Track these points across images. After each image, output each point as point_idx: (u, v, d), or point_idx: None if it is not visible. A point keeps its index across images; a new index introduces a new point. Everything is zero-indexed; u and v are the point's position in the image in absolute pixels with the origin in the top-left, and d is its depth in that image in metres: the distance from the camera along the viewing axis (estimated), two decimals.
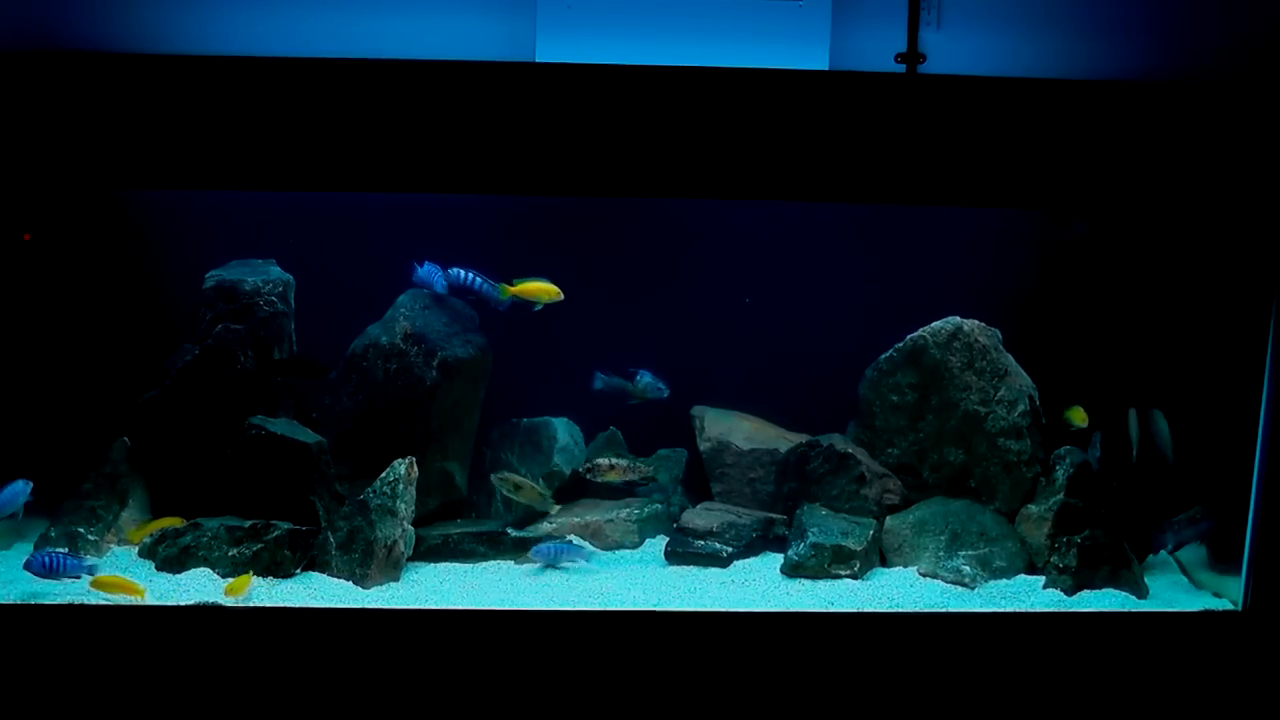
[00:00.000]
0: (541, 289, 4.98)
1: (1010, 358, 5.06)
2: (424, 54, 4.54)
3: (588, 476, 5.03)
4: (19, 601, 4.26)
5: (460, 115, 4.27)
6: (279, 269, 5.03)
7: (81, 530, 4.71)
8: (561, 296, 4.98)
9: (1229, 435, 4.64)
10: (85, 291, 5.12)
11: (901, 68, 4.71)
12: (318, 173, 4.33)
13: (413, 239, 5.19)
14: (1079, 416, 4.92)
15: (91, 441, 4.87)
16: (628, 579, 4.67)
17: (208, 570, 4.51)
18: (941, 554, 4.73)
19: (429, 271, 5.05)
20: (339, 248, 5.16)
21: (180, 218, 5.09)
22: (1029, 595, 4.52)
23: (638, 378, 5.22)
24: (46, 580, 4.33)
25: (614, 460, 5.01)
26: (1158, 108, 4.29)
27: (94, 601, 4.26)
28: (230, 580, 4.41)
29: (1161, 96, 4.30)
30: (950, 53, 4.70)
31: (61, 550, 4.47)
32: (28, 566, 4.35)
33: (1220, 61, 4.58)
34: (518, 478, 4.92)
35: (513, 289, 4.98)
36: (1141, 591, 4.56)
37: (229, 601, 4.27)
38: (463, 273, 5.05)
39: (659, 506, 5.21)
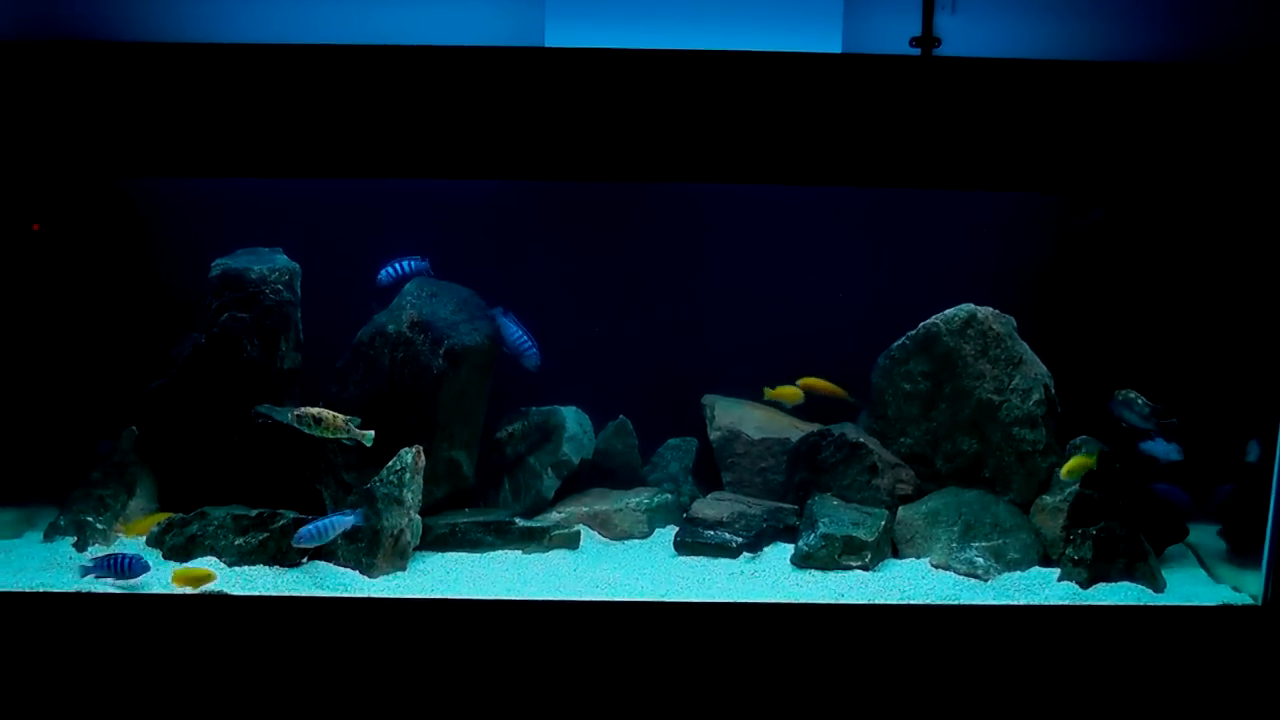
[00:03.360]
0: (792, 394, 5.28)
1: (1025, 345, 5.00)
2: (433, 40, 4.54)
3: (297, 424, 4.60)
4: (30, 590, 4.27)
5: (470, 101, 4.27)
6: (285, 257, 5.00)
7: (90, 519, 4.73)
8: (802, 399, 5.29)
9: (1247, 425, 4.58)
10: (92, 281, 5.12)
11: (916, 51, 4.66)
12: (327, 159, 4.35)
13: (421, 226, 5.18)
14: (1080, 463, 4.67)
15: (99, 431, 4.89)
16: (636, 569, 4.64)
17: (214, 559, 4.51)
18: (954, 545, 4.68)
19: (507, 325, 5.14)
20: (346, 235, 5.15)
21: (187, 207, 5.09)
22: (1043, 588, 4.47)
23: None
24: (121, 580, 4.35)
25: (321, 413, 4.59)
26: (1177, 89, 4.23)
27: (102, 590, 4.27)
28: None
29: (1180, 78, 4.24)
30: (966, 37, 4.67)
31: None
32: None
33: (1240, 42, 4.51)
34: (316, 410, 4.58)
35: (771, 393, 5.28)
36: (1158, 585, 4.49)
37: (233, 591, 4.27)
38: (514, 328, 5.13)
39: (669, 496, 5.18)
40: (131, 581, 4.31)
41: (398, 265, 5.05)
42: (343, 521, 4.44)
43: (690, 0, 4.50)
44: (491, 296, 5.20)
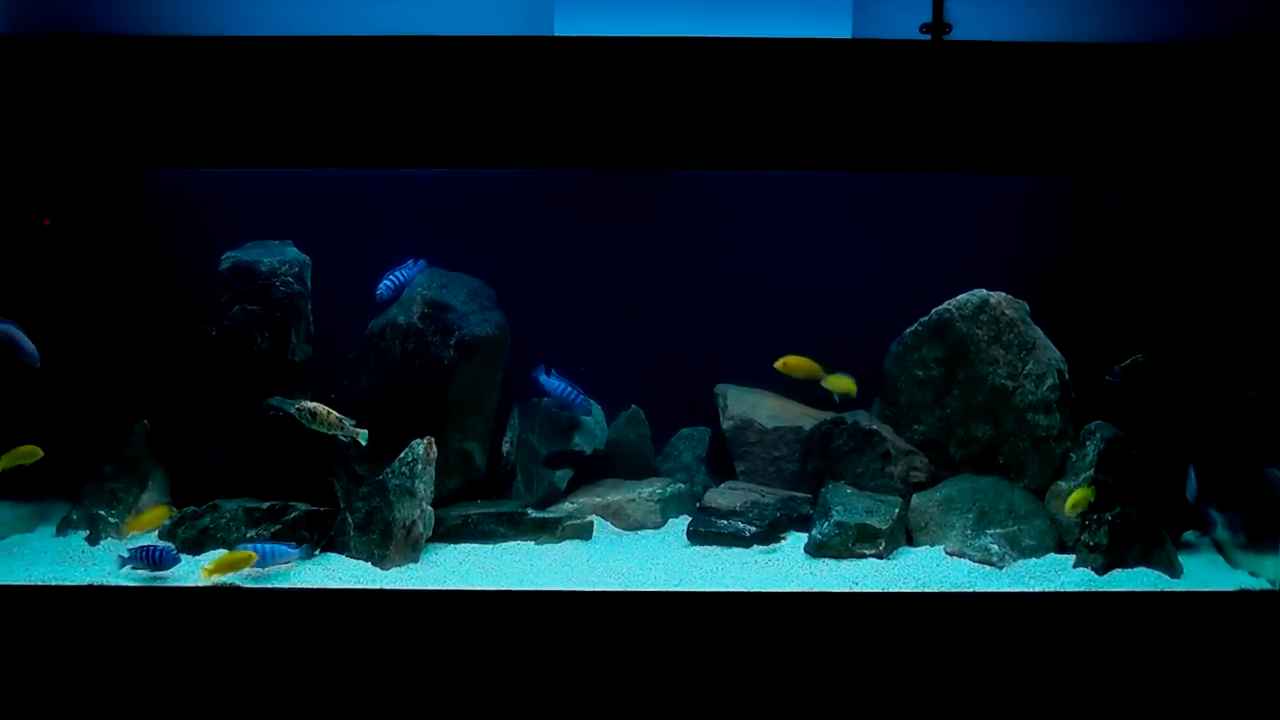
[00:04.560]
0: (844, 385, 5.15)
1: (1039, 330, 4.97)
2: (442, 30, 4.52)
3: (297, 415, 4.62)
4: (43, 583, 4.27)
5: (480, 90, 4.26)
6: (295, 250, 5.00)
7: (102, 513, 4.74)
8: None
9: (1263, 408, 4.55)
10: (103, 275, 5.12)
11: (927, 38, 4.64)
12: (338, 151, 4.37)
13: (432, 216, 5.17)
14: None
15: (111, 424, 4.88)
16: (649, 559, 4.62)
17: (226, 552, 4.48)
18: (969, 532, 4.65)
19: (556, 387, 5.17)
20: (356, 227, 5.14)
21: (197, 200, 5.09)
22: (1059, 574, 4.44)
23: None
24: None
25: (316, 408, 4.59)
26: (1188, 70, 4.21)
27: (115, 583, 4.27)
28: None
29: (1192, 58, 4.21)
30: (977, 23, 4.64)
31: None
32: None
33: (1251, 21, 4.48)
34: (313, 405, 4.58)
35: (829, 382, 5.13)
36: (1175, 570, 4.46)
37: (247, 583, 4.26)
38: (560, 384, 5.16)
39: (682, 486, 5.16)
40: (163, 573, 4.31)
41: (394, 276, 5.02)
42: (285, 553, 4.39)
43: None
44: (502, 286, 5.19)
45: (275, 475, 4.69)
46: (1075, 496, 4.52)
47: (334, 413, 4.55)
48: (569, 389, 5.12)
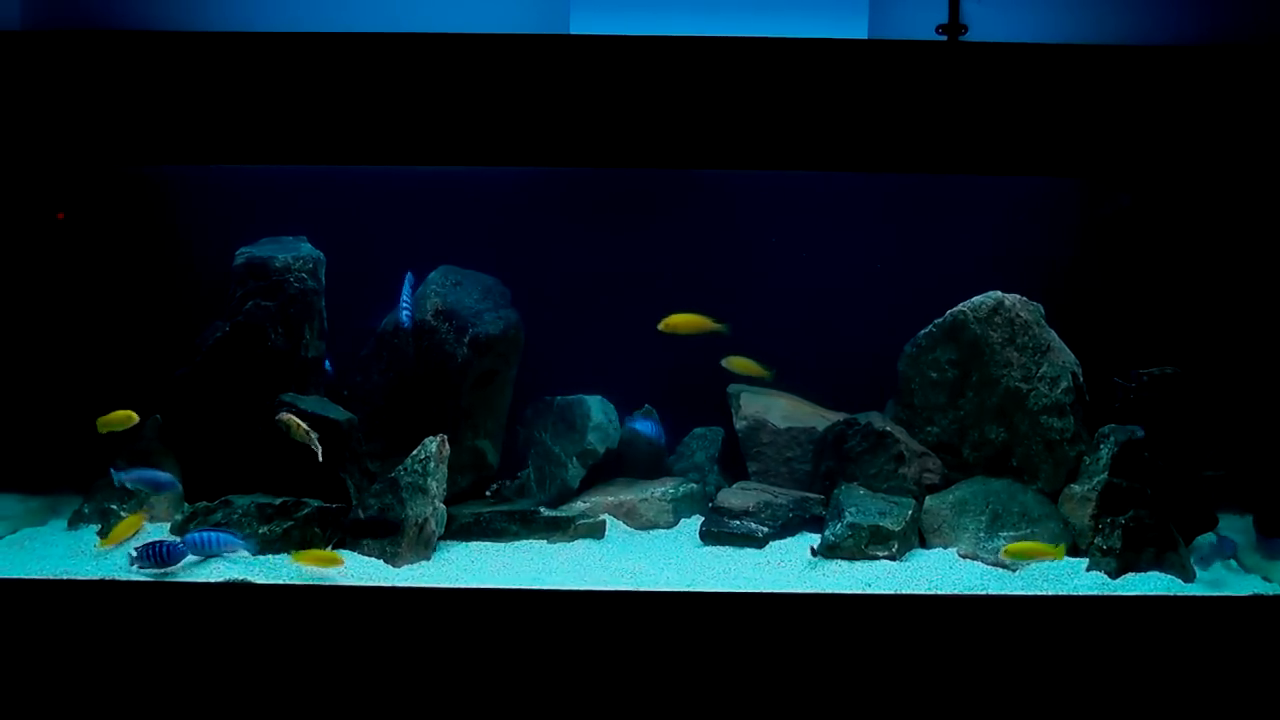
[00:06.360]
0: (743, 365, 5.19)
1: (1053, 333, 4.96)
2: (458, 28, 4.53)
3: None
4: (53, 577, 4.27)
5: (495, 88, 4.26)
6: (310, 246, 5.00)
7: (114, 507, 4.74)
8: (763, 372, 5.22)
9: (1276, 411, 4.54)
10: (117, 269, 5.13)
11: (943, 39, 4.64)
12: (353, 147, 4.37)
13: (447, 213, 5.17)
14: None
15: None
16: (662, 559, 4.62)
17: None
18: (982, 535, 4.65)
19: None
20: (371, 223, 5.14)
21: (212, 195, 5.09)
22: (1071, 578, 4.42)
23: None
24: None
25: (289, 419, 4.62)
26: (1205, 72, 4.20)
27: (126, 578, 4.27)
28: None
29: (1209, 60, 4.20)
30: (993, 24, 4.64)
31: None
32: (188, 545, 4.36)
33: (1269, 26, 4.47)
34: (287, 416, 4.61)
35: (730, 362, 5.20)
36: (1188, 574, 4.45)
37: (257, 579, 4.26)
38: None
39: (694, 486, 5.16)
40: (172, 569, 4.30)
41: (408, 300, 4.97)
42: (231, 542, 4.37)
43: None
44: (516, 284, 5.18)
45: (288, 471, 4.68)
46: (1015, 546, 4.49)
47: (303, 426, 4.56)
48: (658, 429, 5.21)
